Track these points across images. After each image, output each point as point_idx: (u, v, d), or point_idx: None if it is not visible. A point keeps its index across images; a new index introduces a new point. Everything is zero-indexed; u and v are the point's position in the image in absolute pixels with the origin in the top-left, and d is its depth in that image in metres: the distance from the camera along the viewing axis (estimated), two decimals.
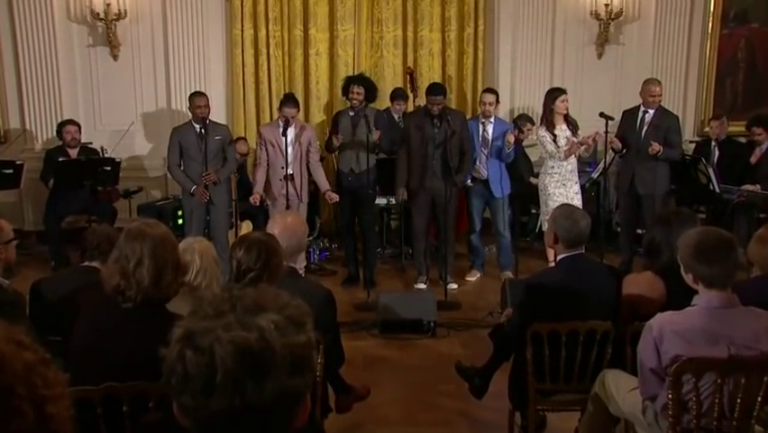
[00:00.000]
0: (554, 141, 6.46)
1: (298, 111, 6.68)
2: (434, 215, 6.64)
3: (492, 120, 6.76)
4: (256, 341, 1.12)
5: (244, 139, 7.90)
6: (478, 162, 6.75)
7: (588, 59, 8.39)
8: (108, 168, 7.05)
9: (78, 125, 7.50)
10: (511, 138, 6.46)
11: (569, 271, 3.43)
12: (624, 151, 6.82)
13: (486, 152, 6.73)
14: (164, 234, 2.61)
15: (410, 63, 8.18)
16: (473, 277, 7.02)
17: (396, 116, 7.36)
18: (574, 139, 6.50)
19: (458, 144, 6.45)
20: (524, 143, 7.47)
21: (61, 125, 7.48)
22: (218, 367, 1.10)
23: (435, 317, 5.57)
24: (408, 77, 7.11)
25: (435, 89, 6.42)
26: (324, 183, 6.77)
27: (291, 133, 6.47)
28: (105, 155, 7.39)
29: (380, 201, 7.26)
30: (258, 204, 6.61)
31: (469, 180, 6.82)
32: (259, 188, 6.60)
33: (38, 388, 1.00)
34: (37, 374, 1.01)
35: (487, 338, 3.98)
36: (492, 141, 6.70)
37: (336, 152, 7.08)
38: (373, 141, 6.44)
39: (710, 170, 6.93)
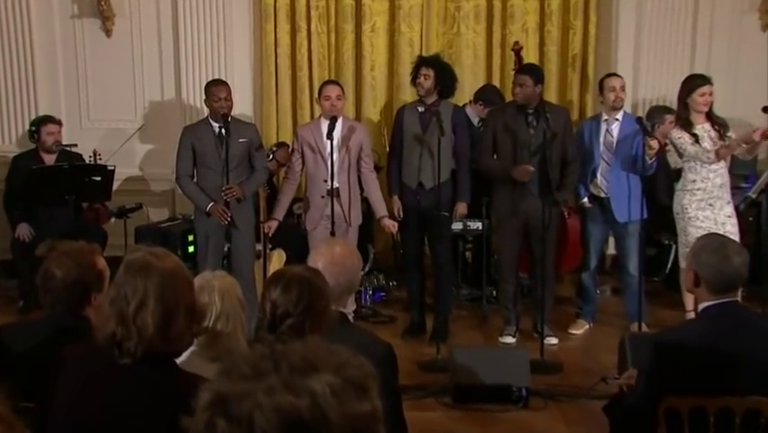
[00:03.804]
0: (696, 142, 6.33)
1: (343, 93, 6.71)
2: (527, 245, 6.62)
3: (619, 116, 6.73)
4: (307, 409, 1.14)
5: (287, 146, 7.76)
6: (599, 175, 6.72)
7: (747, 33, 8.25)
8: (98, 178, 7.16)
9: (60, 124, 7.61)
10: (654, 143, 6.29)
11: (716, 324, 3.37)
12: None
13: (610, 159, 6.68)
14: (175, 269, 2.65)
15: (497, 41, 8.19)
16: (580, 329, 6.99)
17: (475, 120, 7.34)
18: (725, 140, 6.33)
19: (560, 151, 6.44)
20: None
21: (39, 124, 7.54)
22: None
23: (528, 382, 5.54)
24: (514, 54, 6.82)
25: (523, 67, 6.47)
26: (380, 205, 6.80)
27: (337, 134, 6.50)
28: (99, 161, 7.51)
29: (455, 226, 7.23)
30: (270, 234, 6.67)
31: (586, 199, 6.80)
32: (279, 214, 6.70)
33: None
34: None
35: (600, 413, 3.94)
36: (617, 143, 6.64)
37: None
38: None
39: None
